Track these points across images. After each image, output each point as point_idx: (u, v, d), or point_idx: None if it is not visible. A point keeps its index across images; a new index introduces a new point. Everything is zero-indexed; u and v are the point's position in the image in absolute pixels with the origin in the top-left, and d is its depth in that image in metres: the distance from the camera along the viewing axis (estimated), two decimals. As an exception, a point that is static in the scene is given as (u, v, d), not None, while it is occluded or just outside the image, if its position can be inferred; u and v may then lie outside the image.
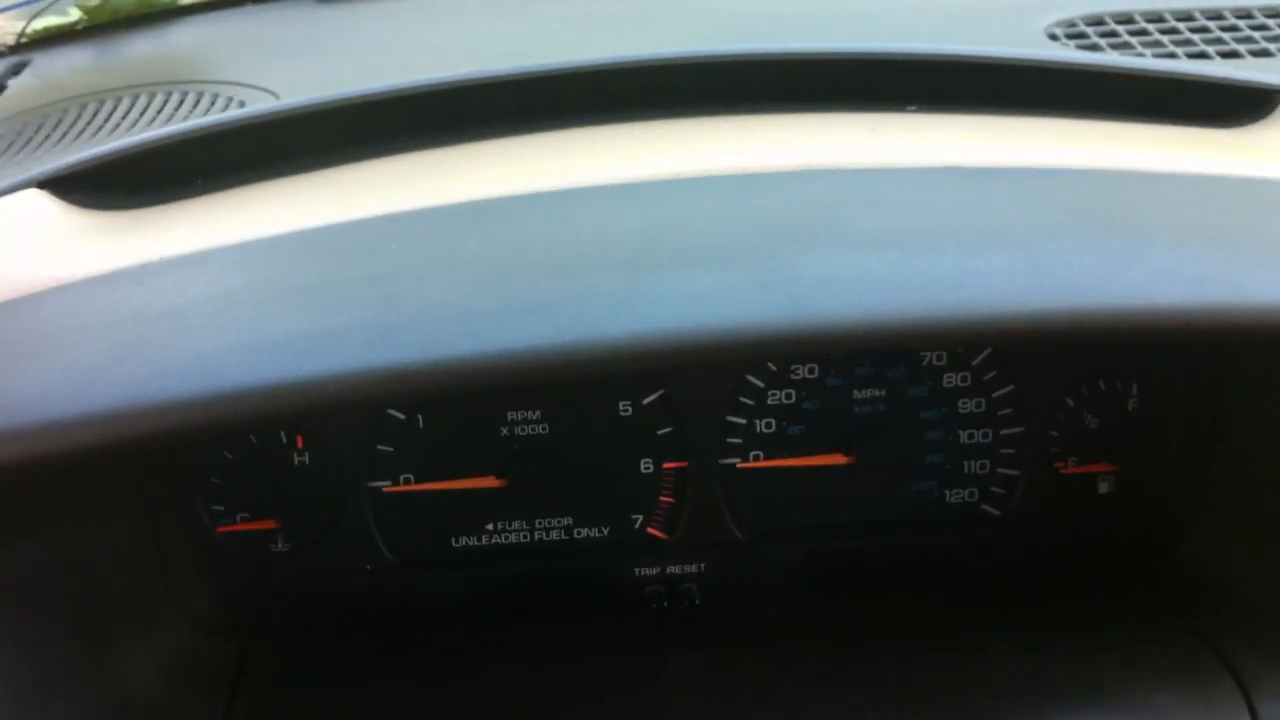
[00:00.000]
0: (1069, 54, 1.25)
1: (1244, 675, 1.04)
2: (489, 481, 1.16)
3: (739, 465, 1.18)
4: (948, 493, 1.21)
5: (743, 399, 1.16)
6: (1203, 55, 1.29)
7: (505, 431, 1.15)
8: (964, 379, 1.17)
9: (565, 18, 1.46)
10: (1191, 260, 0.89)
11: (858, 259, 0.88)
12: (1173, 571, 1.18)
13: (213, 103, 1.25)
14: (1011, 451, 1.19)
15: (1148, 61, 1.25)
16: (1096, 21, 1.37)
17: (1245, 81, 1.13)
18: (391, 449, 1.14)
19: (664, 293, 0.85)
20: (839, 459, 1.18)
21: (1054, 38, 1.34)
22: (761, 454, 1.18)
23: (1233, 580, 1.14)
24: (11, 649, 0.97)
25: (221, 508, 1.14)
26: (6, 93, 1.39)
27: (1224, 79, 1.14)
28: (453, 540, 1.18)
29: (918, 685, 1.07)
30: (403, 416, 1.13)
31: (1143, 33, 1.35)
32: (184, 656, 1.11)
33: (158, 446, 1.04)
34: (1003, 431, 1.19)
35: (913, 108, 1.12)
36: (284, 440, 1.13)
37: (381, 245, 0.94)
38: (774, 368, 1.15)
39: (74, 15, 1.51)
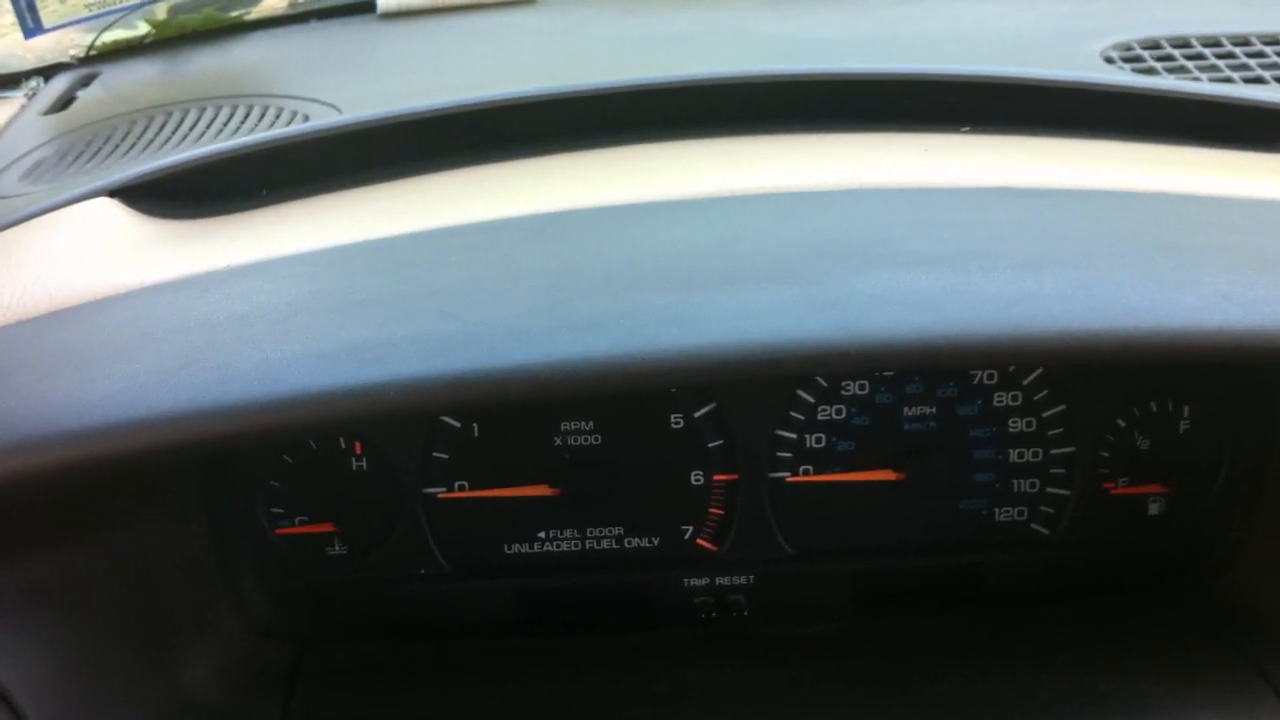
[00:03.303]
0: (1120, 77, 1.26)
1: (1291, 698, 1.04)
2: (542, 490, 1.17)
3: (788, 479, 1.19)
4: (997, 511, 1.21)
5: (793, 414, 1.17)
6: (1259, 80, 1.29)
7: (558, 441, 1.16)
8: (1015, 398, 1.18)
9: (619, 38, 1.47)
10: (1243, 284, 0.89)
11: (909, 278, 0.89)
12: (1222, 595, 1.17)
13: (277, 116, 1.28)
14: (1062, 471, 1.20)
15: (1199, 85, 1.25)
16: (1153, 45, 1.37)
17: (1299, 106, 1.13)
18: (447, 456, 1.16)
19: (717, 309, 0.86)
20: (888, 475, 1.19)
21: (1110, 61, 1.34)
22: (811, 468, 1.19)
23: (1280, 605, 1.14)
24: (72, 648, 0.99)
25: (281, 510, 1.17)
26: (76, 104, 1.42)
27: (1276, 104, 1.14)
28: (505, 547, 1.20)
29: (962, 704, 1.08)
30: (458, 424, 1.15)
31: (1199, 57, 1.34)
32: (240, 659, 1.13)
33: (221, 450, 1.06)
34: (1053, 451, 1.19)
35: (966, 129, 1.13)
36: (343, 446, 1.15)
37: (441, 258, 0.96)
38: (824, 383, 1.16)
39: (142, 29, 1.53)
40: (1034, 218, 0.98)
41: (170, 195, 1.08)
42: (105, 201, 1.05)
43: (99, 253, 1.00)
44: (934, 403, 1.18)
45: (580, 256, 0.95)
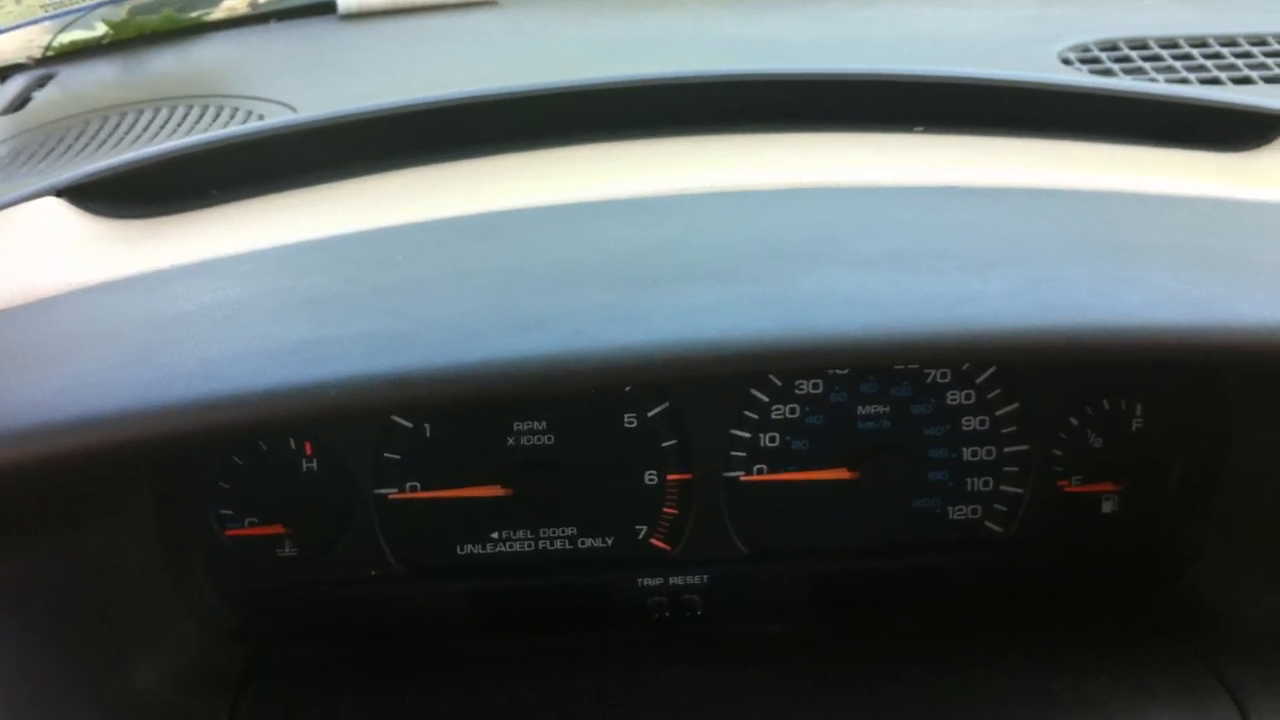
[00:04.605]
0: (1075, 78, 1.26)
1: (1241, 696, 1.04)
2: (495, 490, 1.17)
3: (742, 478, 1.19)
4: (951, 510, 1.21)
5: (747, 413, 1.17)
6: (1215, 81, 1.30)
7: (512, 441, 1.16)
8: (968, 397, 1.18)
9: (580, 40, 1.48)
10: (1189, 282, 0.89)
11: (854, 277, 0.89)
12: (1175, 595, 1.17)
13: (232, 116, 1.28)
14: (1015, 469, 1.20)
15: (1154, 86, 1.25)
16: (1110, 47, 1.38)
17: (1250, 106, 1.14)
18: (398, 457, 1.16)
19: (662, 306, 0.87)
20: (842, 474, 1.19)
21: (1067, 62, 1.35)
22: (765, 468, 1.19)
23: (1235, 606, 1.14)
24: (22, 649, 0.99)
25: (231, 512, 1.16)
26: (32, 104, 1.42)
27: (1228, 104, 1.15)
28: (458, 548, 1.20)
29: (915, 702, 1.08)
30: (409, 425, 1.15)
31: (1156, 58, 1.35)
32: (192, 661, 1.12)
33: (167, 449, 1.06)
34: (1006, 449, 1.19)
35: (919, 129, 1.13)
36: (293, 447, 1.15)
37: (388, 257, 0.95)
38: (778, 383, 1.16)
39: (100, 30, 1.53)
40: (984, 217, 0.99)
41: (118, 195, 1.07)
42: (52, 201, 1.05)
43: (44, 252, 1.00)
44: (888, 402, 1.18)
45: (528, 255, 0.95)
